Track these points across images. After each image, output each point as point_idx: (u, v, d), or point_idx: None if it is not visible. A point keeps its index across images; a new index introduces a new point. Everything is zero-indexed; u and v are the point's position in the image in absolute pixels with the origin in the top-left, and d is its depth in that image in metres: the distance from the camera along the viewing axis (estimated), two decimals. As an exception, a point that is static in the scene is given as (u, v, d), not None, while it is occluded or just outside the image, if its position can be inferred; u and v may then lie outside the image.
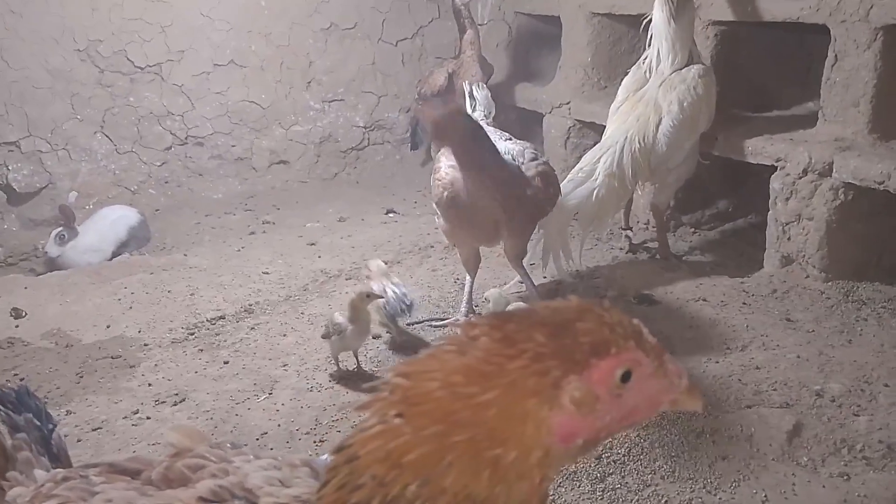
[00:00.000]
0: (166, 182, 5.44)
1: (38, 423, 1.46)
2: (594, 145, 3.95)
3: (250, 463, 1.10)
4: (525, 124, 5.51)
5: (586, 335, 0.86)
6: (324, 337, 3.08)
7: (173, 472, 1.09)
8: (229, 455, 1.13)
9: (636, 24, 4.00)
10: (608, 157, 3.58)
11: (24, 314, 3.63)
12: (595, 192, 3.55)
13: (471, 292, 3.49)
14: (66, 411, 2.85)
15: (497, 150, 3.08)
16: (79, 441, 2.67)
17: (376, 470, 0.78)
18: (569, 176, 3.63)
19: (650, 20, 3.75)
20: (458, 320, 3.40)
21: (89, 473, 1.16)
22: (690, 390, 0.95)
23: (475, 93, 3.58)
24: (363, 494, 0.78)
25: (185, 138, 5.44)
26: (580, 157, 4.43)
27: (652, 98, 3.68)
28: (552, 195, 3.25)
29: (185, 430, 1.24)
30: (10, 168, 4.95)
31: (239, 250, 4.48)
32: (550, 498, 0.99)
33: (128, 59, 5.19)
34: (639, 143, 3.61)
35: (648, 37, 3.78)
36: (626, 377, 0.90)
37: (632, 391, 0.90)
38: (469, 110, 3.43)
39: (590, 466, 2.46)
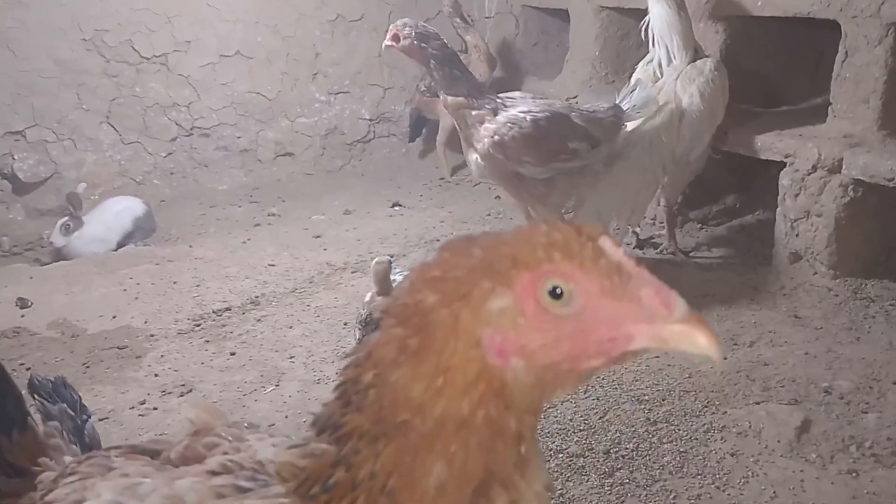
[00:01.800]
0: (172, 173, 5.43)
1: (72, 414, 1.47)
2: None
3: (263, 441, 1.11)
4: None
5: (515, 249, 0.86)
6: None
7: (191, 450, 1.10)
8: (245, 434, 1.14)
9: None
10: (640, 150, 3.56)
11: (29, 304, 3.63)
12: (632, 184, 3.53)
13: None
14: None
15: (472, 80, 3.34)
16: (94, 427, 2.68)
17: (358, 361, 0.90)
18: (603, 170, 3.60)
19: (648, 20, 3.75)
20: None
21: (111, 454, 1.17)
22: (687, 323, 0.84)
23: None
24: (349, 375, 0.90)
25: (191, 129, 5.43)
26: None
27: (671, 91, 3.67)
28: (506, 145, 3.26)
29: (204, 407, 1.23)
30: (15, 158, 4.94)
31: (244, 242, 4.47)
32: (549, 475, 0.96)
33: (134, 49, 5.17)
34: (664, 135, 3.60)
35: (651, 36, 3.76)
36: (556, 293, 0.86)
37: (581, 313, 0.85)
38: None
39: (598, 461, 2.47)
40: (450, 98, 3.30)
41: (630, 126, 3.54)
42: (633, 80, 3.79)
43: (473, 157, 3.46)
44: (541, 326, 0.86)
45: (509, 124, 3.25)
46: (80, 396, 1.55)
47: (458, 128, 3.48)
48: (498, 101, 3.33)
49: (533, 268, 0.86)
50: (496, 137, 3.25)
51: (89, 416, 1.52)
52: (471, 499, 0.88)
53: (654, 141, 3.60)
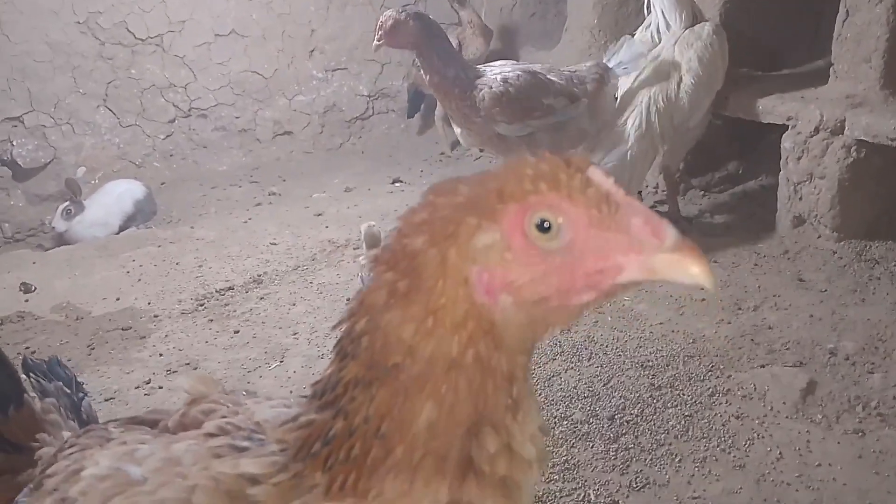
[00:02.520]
0: (171, 155, 5.41)
1: (69, 391, 1.48)
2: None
3: (261, 404, 1.12)
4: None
5: (501, 183, 0.85)
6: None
7: (188, 417, 1.10)
8: (242, 400, 1.15)
9: (643, -15, 3.93)
10: (635, 117, 3.54)
11: (33, 289, 3.64)
12: (628, 153, 3.51)
13: None
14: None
15: (452, 56, 3.37)
16: (91, 404, 2.69)
17: (352, 311, 0.90)
18: (601, 138, 3.58)
19: None
20: None
21: (109, 426, 1.18)
22: (679, 252, 0.81)
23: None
24: (345, 328, 0.91)
25: (189, 110, 5.41)
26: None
27: (669, 57, 3.63)
28: (488, 106, 3.34)
29: (201, 377, 1.23)
30: (14, 143, 4.93)
31: (246, 222, 4.46)
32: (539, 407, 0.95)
33: (128, 30, 5.14)
34: (662, 101, 3.57)
35: (647, 1, 3.72)
36: (544, 227, 0.84)
37: (569, 246, 0.84)
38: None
39: (602, 427, 2.47)
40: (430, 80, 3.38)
41: (621, 82, 3.59)
42: (623, 40, 3.75)
43: (457, 130, 3.57)
44: (529, 261, 0.84)
45: (480, 86, 3.33)
46: (74, 375, 1.55)
47: (441, 105, 3.54)
48: (478, 71, 3.41)
49: (519, 200, 0.84)
50: (468, 102, 3.33)
51: (85, 394, 1.52)
52: (461, 441, 0.87)
53: (652, 107, 3.56)
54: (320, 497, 0.90)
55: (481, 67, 3.44)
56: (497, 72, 3.40)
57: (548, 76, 3.46)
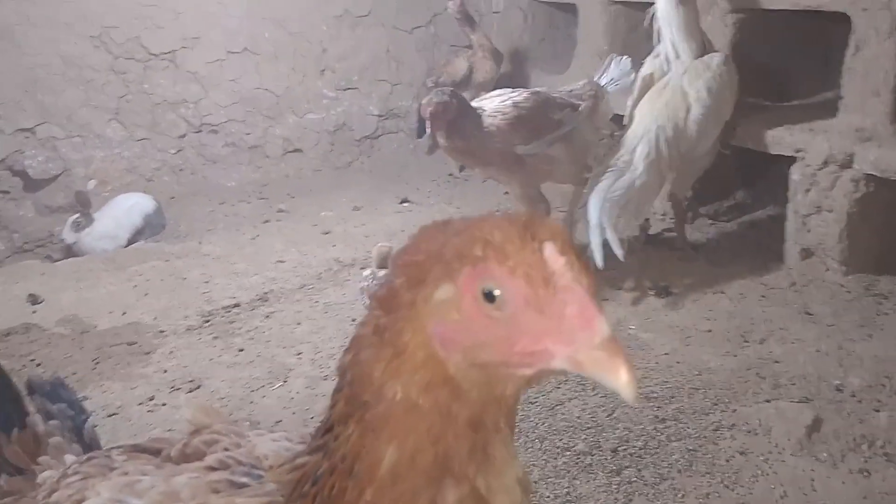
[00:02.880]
0: (181, 170, 5.43)
1: (72, 414, 1.48)
2: (610, 135, 3.89)
3: (263, 437, 1.13)
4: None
5: (463, 241, 0.85)
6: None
7: (190, 447, 1.11)
8: (244, 431, 1.16)
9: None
10: (644, 146, 3.54)
11: (40, 300, 3.65)
12: (636, 181, 3.51)
13: None
14: (83, 397, 2.84)
15: (476, 118, 3.49)
16: (94, 427, 2.68)
17: (348, 345, 0.93)
18: (607, 165, 3.58)
19: (654, 14, 3.73)
20: None
21: (112, 453, 1.19)
22: (606, 351, 0.80)
23: (612, 65, 3.97)
24: (341, 360, 0.93)
25: (200, 126, 5.44)
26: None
27: (677, 86, 3.64)
28: (502, 130, 3.50)
29: (202, 408, 1.25)
30: (25, 154, 4.96)
31: (253, 238, 4.47)
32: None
33: (142, 45, 5.18)
34: (671, 130, 3.58)
35: (657, 30, 3.74)
36: (490, 296, 0.84)
37: (510, 318, 0.83)
38: (600, 76, 3.96)
39: (605, 459, 2.45)
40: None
41: (629, 100, 3.77)
42: (640, 73, 3.78)
43: (482, 173, 3.82)
44: (474, 325, 0.84)
45: (492, 115, 3.49)
46: (76, 398, 1.56)
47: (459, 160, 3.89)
48: (479, 113, 3.54)
49: (472, 264, 0.84)
50: (487, 129, 3.47)
51: (88, 416, 1.53)
52: (427, 490, 0.87)
53: (661, 135, 3.57)
54: None
55: (477, 107, 3.56)
56: (496, 104, 3.55)
57: (550, 94, 3.70)
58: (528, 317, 0.83)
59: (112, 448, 1.24)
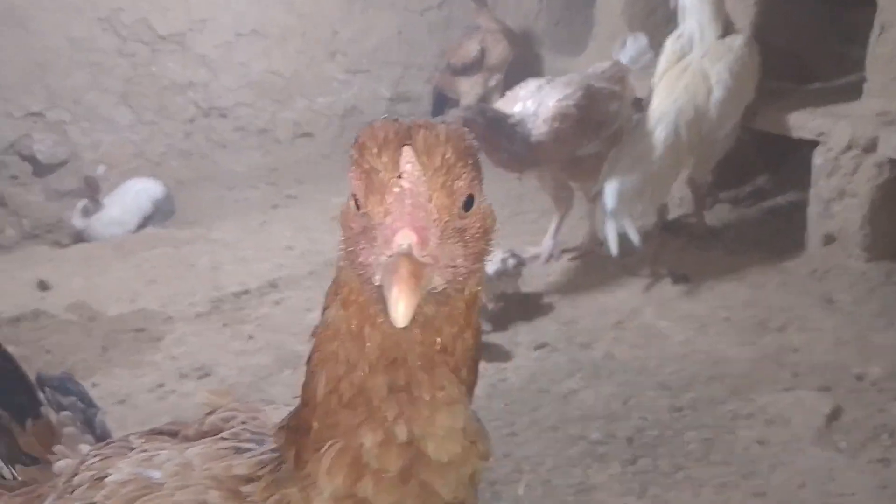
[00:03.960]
0: (189, 154, 5.40)
1: (82, 407, 1.50)
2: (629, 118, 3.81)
3: (279, 409, 1.14)
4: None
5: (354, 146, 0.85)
6: None
7: (206, 425, 1.14)
8: (260, 406, 1.19)
9: (673, -8, 3.86)
10: (663, 129, 3.47)
11: (49, 286, 3.64)
12: (654, 166, 3.44)
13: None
14: (91, 384, 2.84)
15: (510, 131, 3.32)
16: (105, 418, 2.68)
17: None
18: (624, 149, 3.52)
19: None
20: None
21: (130, 437, 1.20)
22: (389, 267, 0.76)
23: (628, 42, 3.80)
24: None
25: (208, 110, 5.39)
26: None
27: (698, 68, 3.57)
28: (565, 136, 3.38)
29: (217, 391, 1.27)
30: (34, 139, 4.94)
31: (262, 224, 4.45)
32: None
33: (149, 27, 5.13)
34: (691, 113, 3.51)
35: (681, 9, 3.66)
36: (357, 202, 0.84)
37: (365, 224, 0.82)
38: (619, 56, 3.80)
39: (620, 449, 2.42)
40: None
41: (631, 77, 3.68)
42: (662, 54, 3.70)
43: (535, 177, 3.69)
44: (350, 234, 0.85)
45: (550, 121, 3.33)
46: (86, 391, 1.57)
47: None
48: (514, 117, 3.38)
49: (350, 166, 0.84)
50: (545, 132, 3.32)
51: (99, 409, 1.54)
52: (355, 430, 0.87)
53: (681, 118, 3.50)
54: (291, 472, 0.92)
55: (510, 111, 3.40)
56: (550, 105, 3.37)
57: (597, 85, 3.53)
58: (367, 222, 0.82)
59: (130, 434, 1.25)
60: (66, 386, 1.53)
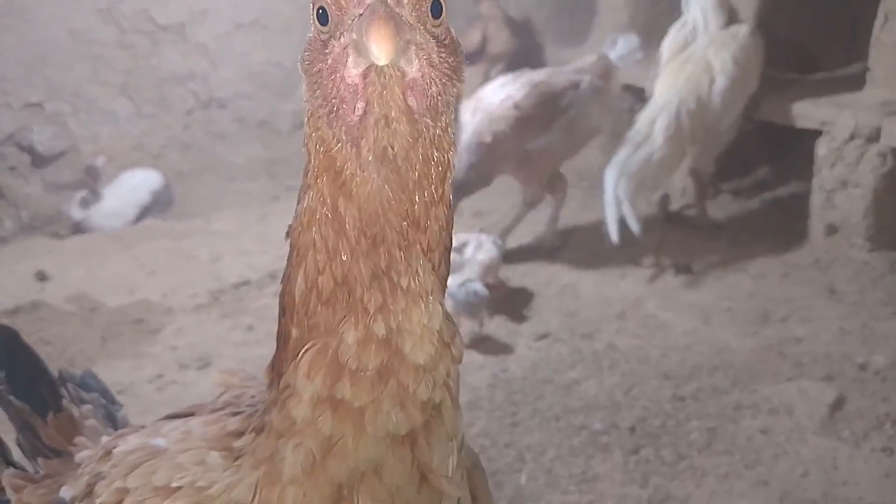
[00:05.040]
0: (189, 146, 5.37)
1: (104, 402, 1.52)
2: (630, 108, 3.80)
3: None
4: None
5: None
6: None
7: (220, 402, 1.15)
8: None
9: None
10: (664, 118, 3.45)
11: (47, 278, 3.62)
12: (655, 154, 3.43)
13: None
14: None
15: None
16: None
17: None
18: (626, 137, 3.50)
19: None
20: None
21: (147, 421, 1.24)
22: (364, 18, 0.76)
23: (619, 42, 3.76)
24: None
25: (208, 101, 5.37)
26: (615, 122, 4.24)
27: (702, 57, 3.56)
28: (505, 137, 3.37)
29: (225, 371, 1.27)
30: (33, 130, 4.91)
31: (262, 216, 4.43)
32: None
33: (149, 18, 5.10)
34: (693, 103, 3.48)
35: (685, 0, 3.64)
36: (322, 17, 0.81)
37: (332, 38, 0.81)
38: (609, 52, 3.76)
39: (623, 438, 2.41)
40: None
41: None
42: (665, 43, 3.67)
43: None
44: (315, 59, 0.83)
45: (494, 122, 3.33)
46: (108, 388, 1.60)
47: None
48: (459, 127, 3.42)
49: None
50: (489, 138, 3.31)
51: (121, 406, 1.56)
52: (332, 332, 0.86)
53: (682, 108, 3.48)
54: (273, 397, 0.91)
55: (466, 115, 3.41)
56: (495, 106, 3.38)
57: (554, 81, 3.51)
58: (334, 18, 0.80)
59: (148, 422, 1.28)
60: (88, 382, 1.54)
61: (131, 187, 4.55)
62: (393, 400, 0.85)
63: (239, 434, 0.98)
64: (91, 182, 4.46)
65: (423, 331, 0.85)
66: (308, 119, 0.87)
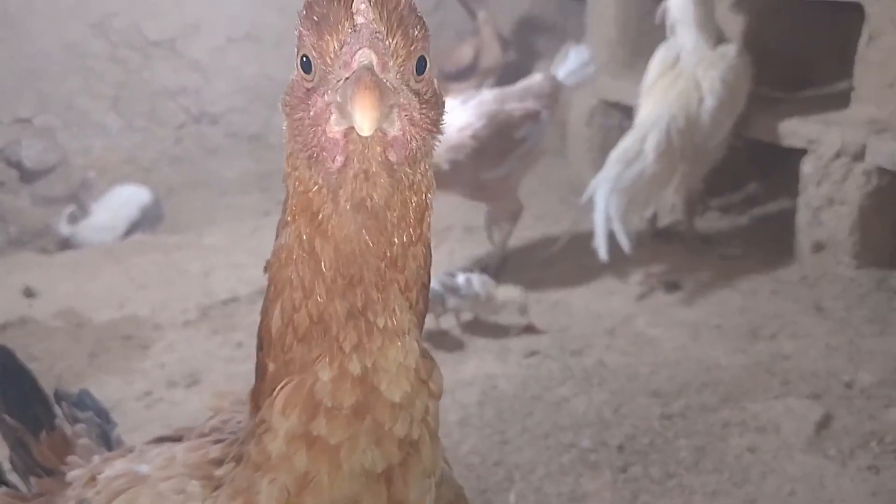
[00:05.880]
0: (180, 160, 5.37)
1: (99, 422, 1.51)
2: (619, 126, 3.82)
3: None
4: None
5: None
6: None
7: (207, 427, 1.16)
8: None
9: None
10: (655, 135, 3.47)
11: (35, 293, 3.60)
12: (647, 170, 3.44)
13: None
14: (79, 391, 2.81)
15: None
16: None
17: None
18: (614, 156, 3.49)
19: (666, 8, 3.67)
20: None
21: (136, 445, 1.23)
22: (350, 83, 0.76)
23: (571, 54, 3.73)
24: None
25: (200, 115, 5.37)
26: (604, 139, 4.26)
27: (691, 76, 3.58)
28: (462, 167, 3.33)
29: (218, 393, 1.28)
30: (22, 145, 4.90)
31: (253, 231, 4.42)
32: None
33: (141, 32, 5.11)
34: (682, 121, 3.51)
35: (670, 24, 3.67)
36: (306, 65, 0.81)
37: (315, 84, 0.81)
38: (559, 68, 3.73)
39: (611, 456, 2.41)
40: None
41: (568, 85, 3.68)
42: (653, 60, 3.70)
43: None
44: (297, 105, 0.84)
45: (452, 150, 3.26)
46: (103, 407, 1.60)
47: None
48: None
49: (298, 28, 0.83)
50: (446, 166, 3.25)
51: (115, 425, 1.56)
52: (307, 369, 0.86)
53: (672, 126, 3.51)
54: (251, 428, 0.92)
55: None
56: (452, 134, 3.32)
57: (509, 108, 3.45)
58: (319, 70, 0.80)
59: (135, 445, 1.28)
60: (83, 401, 1.54)
61: (120, 203, 4.55)
62: (369, 437, 0.85)
63: (219, 462, 0.98)
64: (84, 196, 4.45)
65: (399, 368, 0.86)
66: (287, 157, 0.88)
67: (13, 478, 1.46)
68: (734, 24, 3.96)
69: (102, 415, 1.55)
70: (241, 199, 5.05)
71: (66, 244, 4.47)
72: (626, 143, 3.49)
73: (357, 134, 0.78)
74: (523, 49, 5.86)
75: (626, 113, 4.06)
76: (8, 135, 4.88)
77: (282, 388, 0.87)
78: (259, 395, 0.92)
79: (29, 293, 3.60)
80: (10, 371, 1.48)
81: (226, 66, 5.38)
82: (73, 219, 4.44)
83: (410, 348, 0.87)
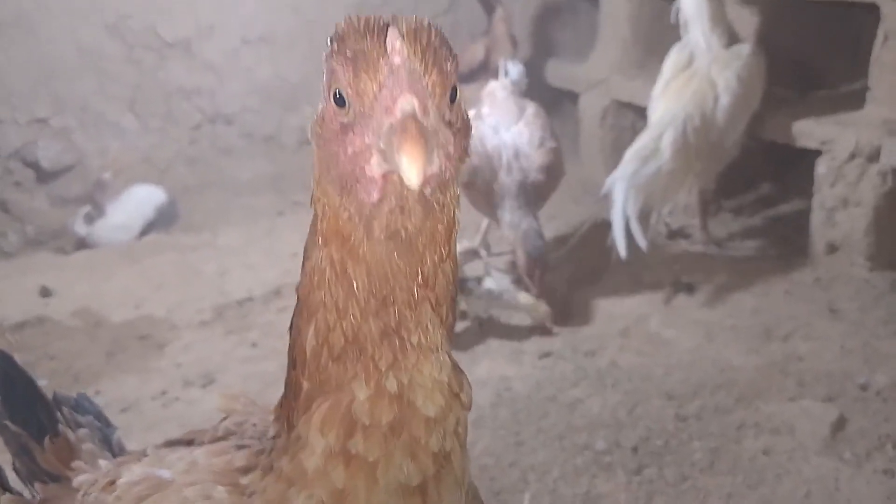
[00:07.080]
0: (195, 161, 5.40)
1: (99, 426, 1.52)
2: (632, 126, 3.81)
3: None
4: (557, 103, 5.38)
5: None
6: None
7: (220, 430, 1.16)
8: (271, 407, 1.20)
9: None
10: (671, 133, 3.46)
11: (53, 293, 3.64)
12: (663, 168, 3.43)
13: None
14: (95, 391, 2.84)
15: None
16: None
17: None
18: (630, 153, 3.48)
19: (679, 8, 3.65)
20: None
21: (148, 448, 1.23)
22: (397, 132, 0.74)
23: (510, 68, 3.77)
24: None
25: (215, 116, 5.40)
26: (616, 139, 4.25)
27: (705, 75, 3.57)
28: (553, 180, 3.44)
29: (230, 395, 1.28)
30: (39, 145, 4.94)
31: (268, 231, 4.44)
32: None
33: (157, 34, 5.14)
34: (698, 119, 3.50)
35: (683, 23, 3.67)
36: (340, 100, 0.80)
37: (352, 120, 0.79)
38: (502, 83, 3.75)
39: (626, 458, 2.41)
40: None
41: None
42: (666, 61, 3.69)
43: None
44: (330, 139, 0.82)
45: (542, 171, 3.35)
46: (102, 411, 1.60)
47: None
48: None
49: (326, 61, 0.82)
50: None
51: (115, 429, 1.56)
52: (344, 389, 0.87)
53: (689, 124, 3.49)
54: (284, 443, 0.93)
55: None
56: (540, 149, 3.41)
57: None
58: (356, 108, 0.79)
59: (146, 448, 1.28)
60: (82, 405, 1.55)
61: (136, 203, 4.57)
62: (405, 452, 0.86)
63: (246, 471, 0.99)
64: (100, 196, 4.48)
65: (434, 383, 0.87)
66: (316, 183, 0.88)
67: (17, 485, 1.45)
68: (747, 24, 3.94)
69: (101, 418, 1.56)
70: (256, 200, 5.08)
71: (82, 244, 4.50)
72: (643, 141, 3.48)
73: (398, 179, 0.78)
74: (537, 49, 5.85)
75: (638, 113, 4.05)
76: (25, 136, 4.92)
77: (318, 406, 0.88)
78: (291, 412, 0.93)
79: (45, 293, 3.63)
80: (11, 377, 1.48)
81: (240, 67, 5.40)
82: (90, 219, 4.47)
83: (443, 363, 0.88)
